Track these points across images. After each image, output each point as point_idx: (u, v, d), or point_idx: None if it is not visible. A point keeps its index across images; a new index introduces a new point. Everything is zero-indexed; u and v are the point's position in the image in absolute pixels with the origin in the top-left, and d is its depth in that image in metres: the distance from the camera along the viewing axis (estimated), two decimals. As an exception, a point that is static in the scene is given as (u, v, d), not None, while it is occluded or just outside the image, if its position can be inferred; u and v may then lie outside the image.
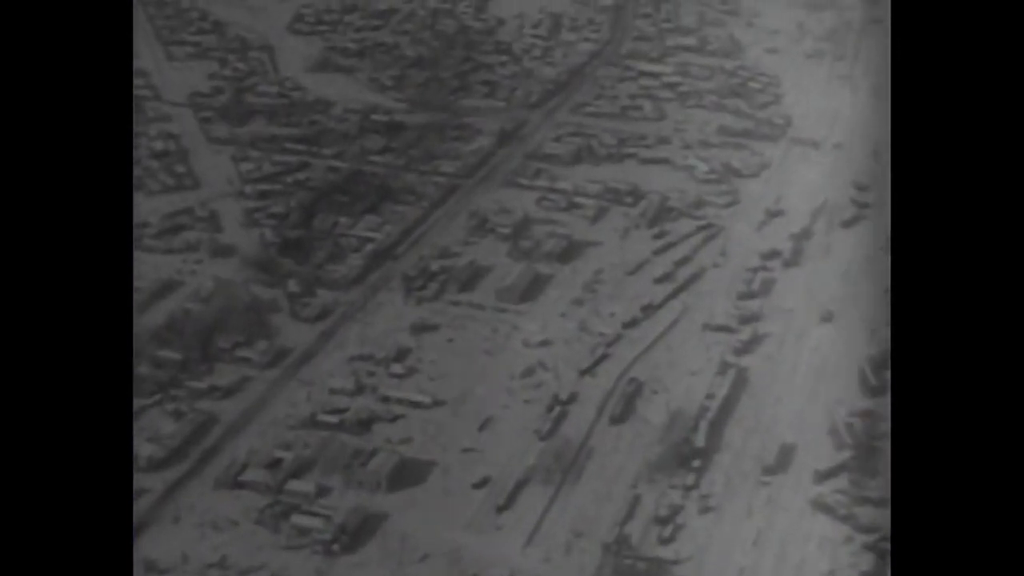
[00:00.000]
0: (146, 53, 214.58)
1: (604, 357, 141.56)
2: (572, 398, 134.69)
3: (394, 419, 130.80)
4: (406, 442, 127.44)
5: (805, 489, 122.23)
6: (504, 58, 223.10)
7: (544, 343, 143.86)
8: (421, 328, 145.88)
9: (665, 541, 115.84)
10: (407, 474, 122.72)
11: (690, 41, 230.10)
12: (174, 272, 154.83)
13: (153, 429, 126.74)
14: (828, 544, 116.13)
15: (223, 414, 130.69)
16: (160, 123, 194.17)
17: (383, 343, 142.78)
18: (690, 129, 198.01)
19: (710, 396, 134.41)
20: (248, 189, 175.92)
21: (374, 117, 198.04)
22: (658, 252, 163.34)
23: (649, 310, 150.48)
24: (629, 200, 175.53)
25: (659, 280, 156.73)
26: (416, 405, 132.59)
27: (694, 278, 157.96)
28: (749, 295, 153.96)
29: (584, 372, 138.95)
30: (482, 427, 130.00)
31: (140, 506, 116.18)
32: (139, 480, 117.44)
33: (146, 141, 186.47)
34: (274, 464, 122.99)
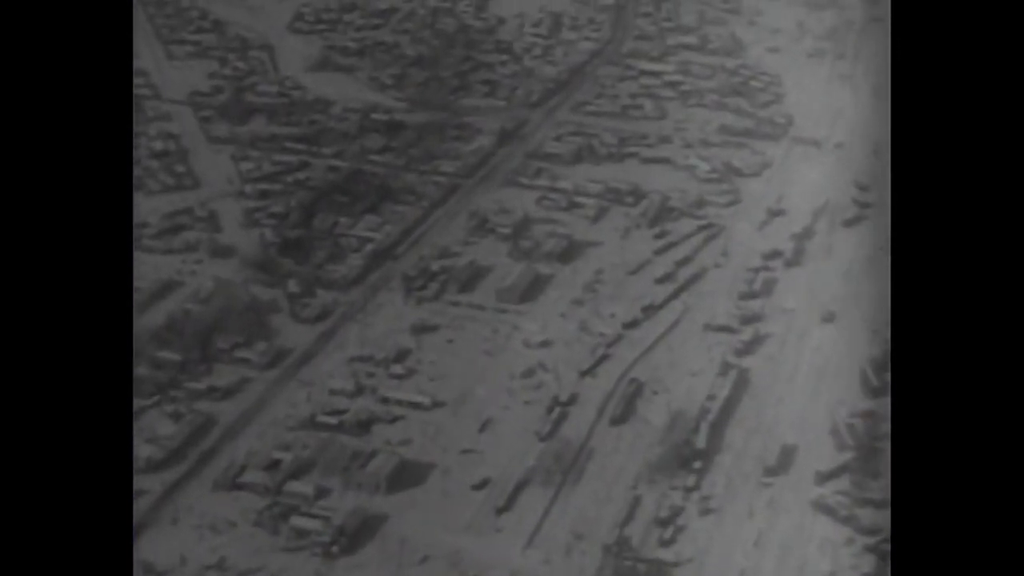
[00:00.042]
0: (146, 52, 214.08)
1: (604, 358, 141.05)
2: (572, 399, 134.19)
3: (394, 420, 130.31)
4: (406, 443, 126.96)
5: (806, 490, 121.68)
6: (504, 57, 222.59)
7: (544, 344, 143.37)
8: (421, 329, 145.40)
9: (666, 543, 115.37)
10: (407, 475, 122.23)
11: (691, 40, 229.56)
12: (173, 272, 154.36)
13: (152, 430, 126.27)
14: (829, 546, 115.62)
15: (222, 415, 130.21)
16: (160, 122, 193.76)
17: (383, 344, 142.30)
18: (691, 128, 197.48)
19: (711, 397, 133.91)
20: (248, 189, 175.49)
21: (374, 116, 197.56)
22: (659, 252, 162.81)
23: (650, 310, 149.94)
24: (630, 200, 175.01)
25: (660, 280, 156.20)
26: (416, 406, 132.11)
27: (695, 278, 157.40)
28: (750, 295, 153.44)
29: (584, 373, 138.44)
30: (482, 428, 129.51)
31: (138, 507, 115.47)
32: (137, 481, 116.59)
33: (146, 141, 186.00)
34: (273, 465, 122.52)
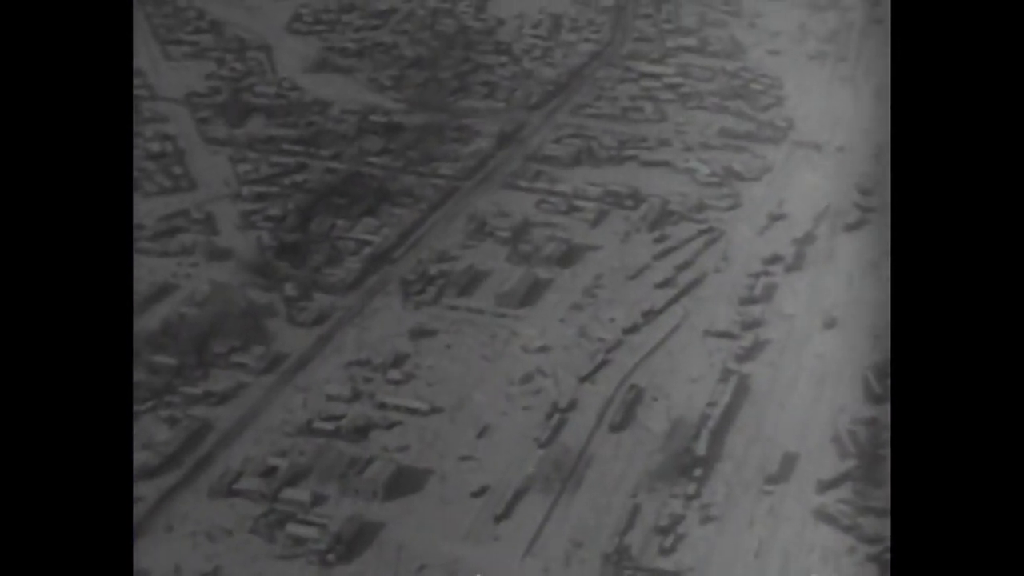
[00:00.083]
0: (143, 52, 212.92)
1: (604, 363, 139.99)
2: (572, 405, 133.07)
3: (391, 426, 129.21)
4: (403, 450, 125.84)
5: (808, 499, 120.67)
6: (504, 59, 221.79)
7: (543, 349, 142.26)
8: (419, 333, 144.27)
9: (666, 551, 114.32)
10: (404, 482, 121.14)
11: (691, 42, 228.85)
12: (169, 275, 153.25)
13: (147, 436, 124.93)
14: (831, 555, 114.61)
15: (218, 421, 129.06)
16: (156, 124, 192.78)
17: (380, 348, 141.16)
18: (691, 131, 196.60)
19: (711, 403, 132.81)
20: (245, 191, 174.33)
21: (372, 118, 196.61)
22: (659, 256, 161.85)
23: (650, 315, 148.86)
24: (629, 203, 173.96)
25: (660, 285, 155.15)
26: (413, 412, 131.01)
27: (695, 283, 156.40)
28: (751, 300, 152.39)
29: (584, 379, 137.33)
30: (480, 434, 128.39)
31: (133, 514, 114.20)
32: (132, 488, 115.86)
33: (142, 142, 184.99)
34: (269, 472, 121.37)
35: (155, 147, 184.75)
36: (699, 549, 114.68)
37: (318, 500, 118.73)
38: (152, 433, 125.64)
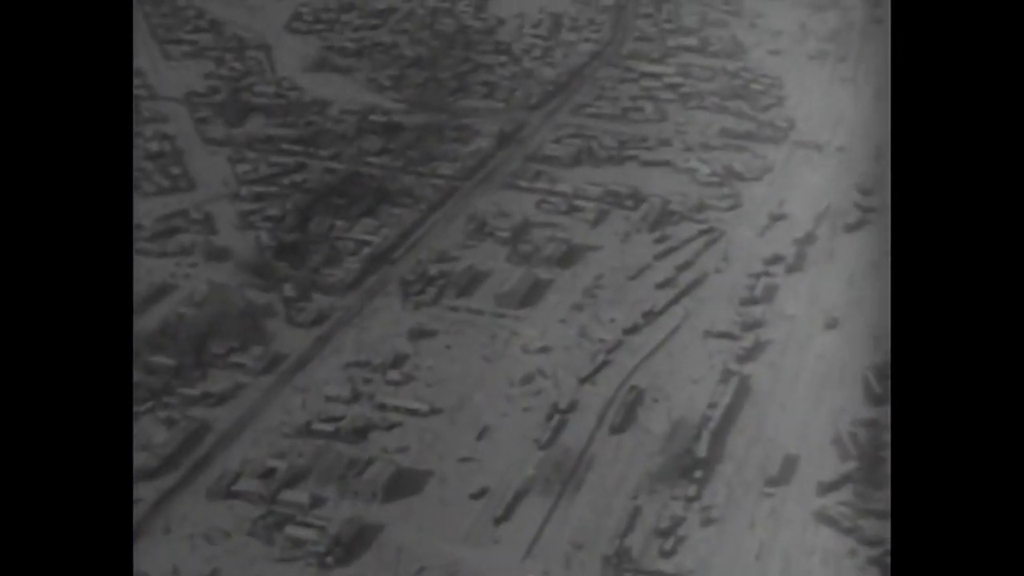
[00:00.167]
0: (141, 52, 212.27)
1: (604, 364, 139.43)
2: (572, 406, 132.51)
3: (390, 427, 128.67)
4: (403, 451, 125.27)
5: (809, 501, 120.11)
6: (504, 58, 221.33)
7: (543, 350, 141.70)
8: (418, 334, 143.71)
9: (666, 554, 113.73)
10: (403, 484, 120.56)
11: (692, 42, 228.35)
12: (168, 276, 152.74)
13: (145, 437, 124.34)
14: (832, 557, 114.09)
15: (216, 422, 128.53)
16: (155, 123, 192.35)
17: (380, 349, 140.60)
18: (692, 131, 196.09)
19: (712, 405, 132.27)
20: (244, 191, 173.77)
21: (372, 118, 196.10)
22: (659, 257, 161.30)
23: (650, 316, 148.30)
24: (630, 203, 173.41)
25: (660, 285, 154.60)
26: (413, 413, 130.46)
27: (696, 283, 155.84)
28: (751, 301, 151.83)
29: (584, 380, 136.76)
30: (480, 436, 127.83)
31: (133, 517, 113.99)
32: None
33: (141, 142, 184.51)
34: (268, 474, 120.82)
35: (154, 147, 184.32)
36: (700, 551, 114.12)
37: (317, 502, 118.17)
38: (150, 434, 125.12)
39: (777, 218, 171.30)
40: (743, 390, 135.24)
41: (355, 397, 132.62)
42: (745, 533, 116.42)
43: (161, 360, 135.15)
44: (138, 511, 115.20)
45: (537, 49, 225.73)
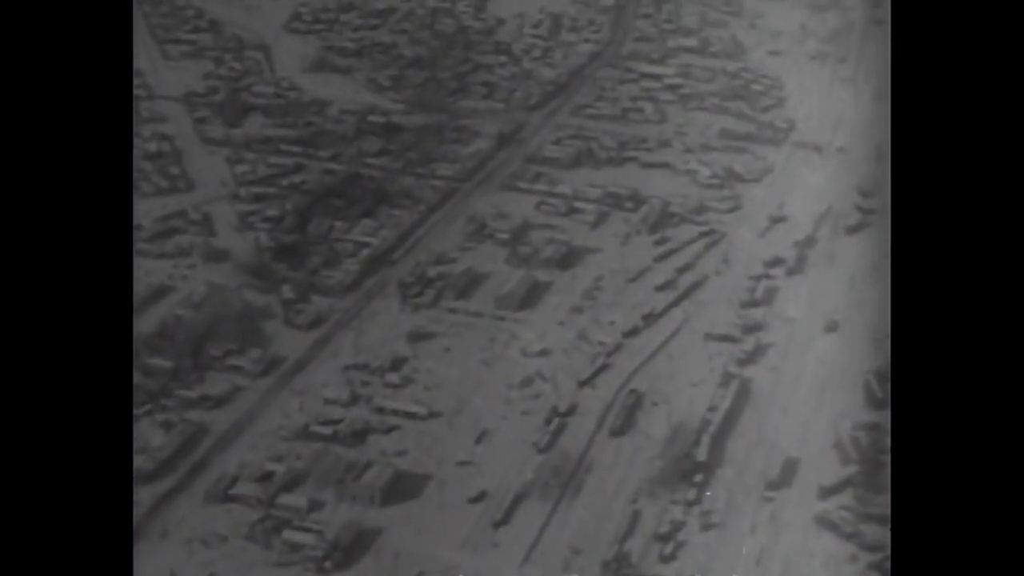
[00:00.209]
0: (140, 51, 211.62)
1: (604, 367, 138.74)
2: (571, 410, 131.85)
3: (389, 430, 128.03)
4: (401, 454, 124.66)
5: (809, 505, 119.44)
6: (503, 59, 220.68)
7: (543, 352, 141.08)
8: (417, 336, 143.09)
9: (666, 559, 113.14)
10: (402, 488, 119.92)
11: (692, 42, 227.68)
12: (166, 277, 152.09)
13: (142, 440, 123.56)
14: (833, 563, 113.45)
15: (214, 424, 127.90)
16: (154, 124, 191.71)
17: (378, 352, 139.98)
18: (692, 132, 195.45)
19: (712, 408, 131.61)
20: (243, 192, 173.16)
21: (371, 118, 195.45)
22: (659, 259, 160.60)
23: (650, 319, 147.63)
24: (630, 205, 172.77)
25: (660, 288, 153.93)
26: (411, 416, 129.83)
27: (696, 286, 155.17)
28: (752, 304, 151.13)
29: (583, 383, 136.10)
30: (479, 439, 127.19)
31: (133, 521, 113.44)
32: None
33: (140, 142, 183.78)
34: (265, 477, 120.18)
35: (152, 147, 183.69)
36: (700, 556, 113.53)
37: (315, 506, 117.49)
38: (147, 437, 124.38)
39: (777, 220, 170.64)
40: (743, 393, 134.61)
41: (353, 400, 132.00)
42: (745, 538, 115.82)
43: (158, 362, 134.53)
44: (135, 515, 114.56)
45: (537, 49, 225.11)
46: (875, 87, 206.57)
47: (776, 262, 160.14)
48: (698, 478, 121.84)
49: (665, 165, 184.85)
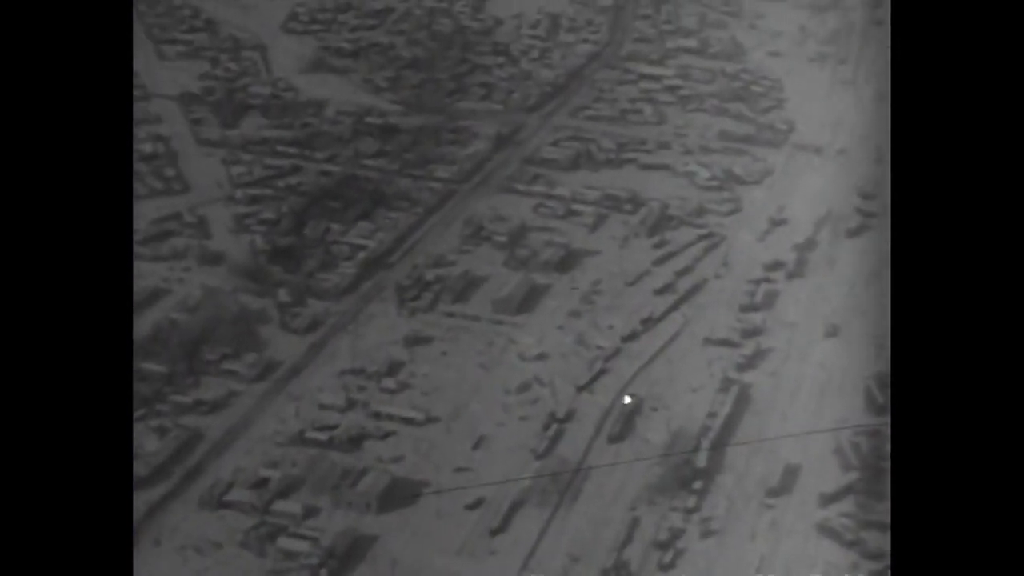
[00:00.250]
0: (136, 51, 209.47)
1: (602, 372, 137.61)
2: (569, 415, 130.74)
3: (385, 436, 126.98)
4: (397, 460, 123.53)
5: (810, 512, 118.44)
6: (501, 59, 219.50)
7: (541, 357, 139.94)
8: (414, 340, 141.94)
9: (665, 567, 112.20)
10: (398, 494, 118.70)
11: (691, 43, 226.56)
12: (160, 280, 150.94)
13: (136, 445, 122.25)
14: (834, 570, 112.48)
15: (208, 430, 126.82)
16: (149, 125, 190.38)
17: (375, 356, 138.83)
18: (691, 134, 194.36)
19: (712, 414, 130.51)
20: (239, 194, 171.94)
21: (368, 120, 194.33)
22: (658, 262, 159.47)
23: (649, 323, 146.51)
24: (628, 207, 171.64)
25: (659, 291, 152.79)
26: (408, 422, 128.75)
27: (695, 289, 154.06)
28: (752, 308, 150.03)
29: (582, 388, 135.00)
30: (476, 445, 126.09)
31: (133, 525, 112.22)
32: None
33: (135, 143, 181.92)
34: (260, 483, 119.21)
35: (147, 148, 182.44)
36: (699, 564, 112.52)
37: (310, 512, 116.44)
38: (141, 443, 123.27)
39: (777, 223, 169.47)
40: (743, 399, 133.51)
41: (349, 405, 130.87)
42: (746, 545, 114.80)
43: (153, 367, 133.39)
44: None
45: (535, 50, 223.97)
46: (875, 88, 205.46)
47: (776, 265, 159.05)
48: (698, 485, 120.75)
49: (664, 167, 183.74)
